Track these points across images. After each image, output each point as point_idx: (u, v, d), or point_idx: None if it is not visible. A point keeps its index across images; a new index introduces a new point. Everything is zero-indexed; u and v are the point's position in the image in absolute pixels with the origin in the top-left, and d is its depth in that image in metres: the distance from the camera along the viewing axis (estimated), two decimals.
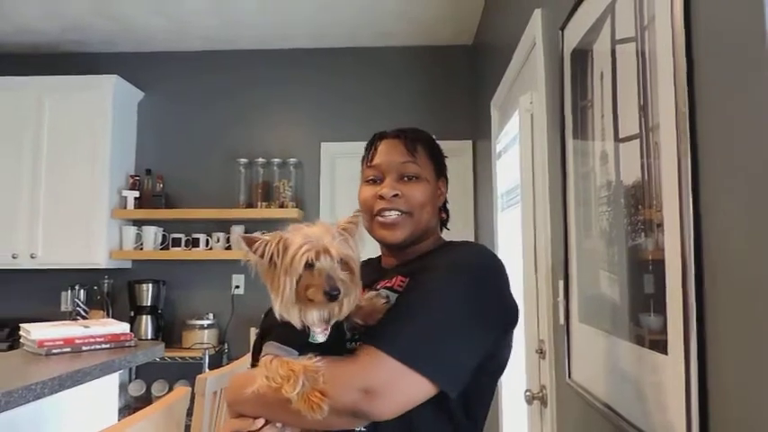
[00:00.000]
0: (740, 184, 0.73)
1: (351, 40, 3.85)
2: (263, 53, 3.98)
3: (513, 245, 2.31)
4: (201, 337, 3.57)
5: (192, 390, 1.54)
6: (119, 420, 1.79)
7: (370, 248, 1.08)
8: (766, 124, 0.67)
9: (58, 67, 3.86)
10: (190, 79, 3.99)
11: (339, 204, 3.87)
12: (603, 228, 1.22)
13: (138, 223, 3.78)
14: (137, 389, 3.64)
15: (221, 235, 3.72)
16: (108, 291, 3.77)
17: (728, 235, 0.75)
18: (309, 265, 0.85)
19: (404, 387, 0.88)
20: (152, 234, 3.72)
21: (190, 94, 3.98)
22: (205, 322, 3.62)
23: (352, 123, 3.84)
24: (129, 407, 3.52)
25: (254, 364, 0.98)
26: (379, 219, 1.09)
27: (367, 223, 1.09)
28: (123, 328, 2.13)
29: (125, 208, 3.71)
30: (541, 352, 1.81)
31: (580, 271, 1.40)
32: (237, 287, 3.79)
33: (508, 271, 1.07)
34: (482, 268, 1.02)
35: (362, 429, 0.94)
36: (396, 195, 1.08)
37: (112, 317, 3.61)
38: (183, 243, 3.72)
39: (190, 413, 1.51)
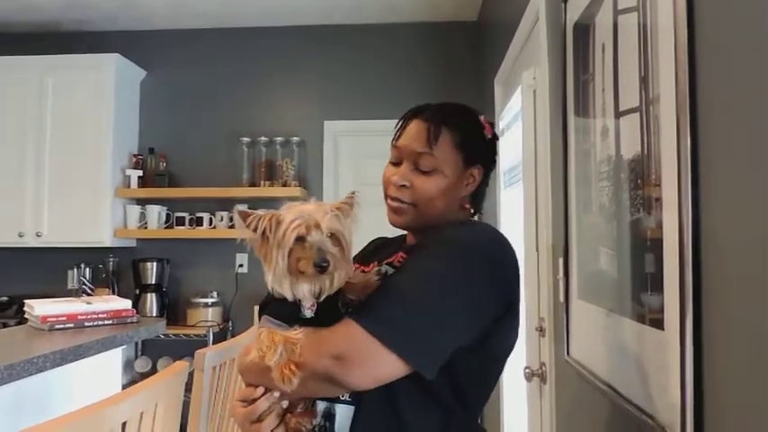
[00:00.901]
0: (740, 157, 0.71)
1: (354, 16, 3.80)
2: (266, 30, 3.94)
3: (514, 223, 2.30)
4: (206, 315, 3.60)
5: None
6: None
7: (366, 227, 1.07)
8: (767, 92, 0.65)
9: (60, 46, 3.84)
10: (192, 57, 3.96)
11: (342, 183, 3.86)
12: (603, 204, 1.20)
13: (142, 202, 3.79)
14: (142, 365, 3.69)
15: (224, 214, 3.73)
16: (113, 269, 3.80)
17: (727, 210, 0.74)
18: (300, 239, 0.88)
19: (374, 360, 0.88)
20: (156, 213, 3.73)
21: (192, 73, 3.95)
22: (209, 300, 3.65)
23: (355, 102, 3.81)
24: (135, 383, 3.57)
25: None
26: (387, 202, 1.10)
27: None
28: (125, 304, 2.15)
29: (128, 187, 3.72)
30: (541, 329, 1.81)
31: (580, 248, 1.39)
32: (241, 266, 3.80)
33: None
34: (479, 248, 0.99)
35: (348, 399, 0.95)
36: (403, 186, 1.06)
37: (118, 295, 3.63)
38: (186, 222, 3.74)
39: (189, 388, 1.53)
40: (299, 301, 0.91)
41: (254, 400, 0.95)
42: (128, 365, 3.68)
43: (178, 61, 3.97)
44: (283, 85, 3.92)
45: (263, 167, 3.74)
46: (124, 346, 2.09)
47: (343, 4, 3.65)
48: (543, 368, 1.79)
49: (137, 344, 3.79)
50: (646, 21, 0.98)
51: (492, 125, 1.15)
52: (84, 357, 1.74)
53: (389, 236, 1.25)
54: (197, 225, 3.73)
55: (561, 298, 1.52)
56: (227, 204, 3.76)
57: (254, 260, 3.86)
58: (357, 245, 1.07)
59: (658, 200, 0.92)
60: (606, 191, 1.18)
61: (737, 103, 0.72)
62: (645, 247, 0.98)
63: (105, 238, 3.60)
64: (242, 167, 3.76)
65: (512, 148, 2.45)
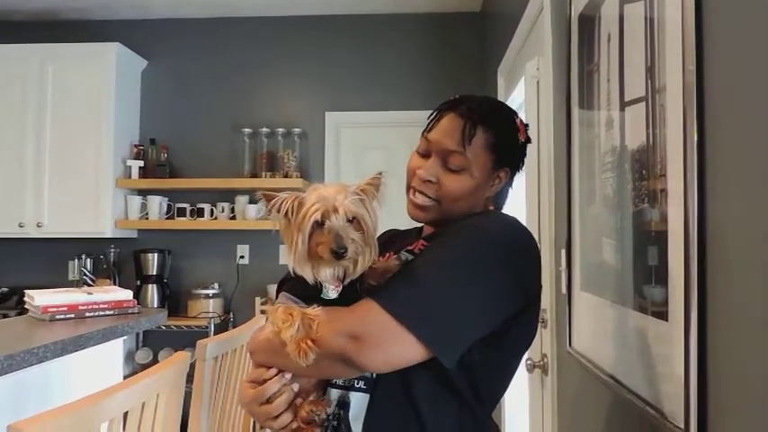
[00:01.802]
0: (748, 148, 0.70)
1: (356, 7, 3.78)
2: (267, 20, 3.91)
3: (517, 214, 2.28)
4: (207, 307, 3.61)
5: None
6: None
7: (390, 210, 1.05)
8: None
9: (60, 35, 3.82)
10: (193, 47, 3.94)
11: (344, 174, 3.85)
12: (607, 194, 1.19)
13: (143, 193, 3.78)
14: (144, 356, 3.70)
15: (226, 205, 3.72)
16: (114, 260, 3.80)
17: (734, 202, 0.73)
18: (320, 224, 0.86)
19: (392, 342, 0.86)
20: (157, 204, 3.72)
21: (193, 63, 3.93)
22: (210, 291, 3.65)
23: (357, 93, 3.79)
24: (136, 374, 3.57)
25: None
26: (410, 195, 1.07)
27: (406, 188, 1.08)
28: (126, 294, 2.15)
29: (129, 177, 3.71)
30: (543, 321, 1.80)
31: (583, 239, 1.38)
32: (242, 257, 3.80)
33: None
34: (502, 238, 0.96)
35: (362, 386, 0.94)
36: (429, 181, 1.03)
37: (119, 286, 3.64)
38: (187, 213, 3.73)
39: (191, 379, 1.53)
40: (323, 282, 0.90)
41: (264, 381, 0.94)
42: (129, 357, 3.69)
43: (179, 51, 3.95)
44: (285, 76, 3.90)
45: (264, 158, 3.73)
46: (125, 337, 2.09)
47: None
48: (545, 360, 1.79)
49: (138, 335, 3.80)
50: (653, 10, 0.97)
51: (527, 127, 1.11)
52: (84, 348, 1.74)
53: (400, 228, 1.24)
54: (198, 216, 3.73)
55: (564, 289, 1.52)
56: (228, 196, 3.75)
57: (256, 252, 3.89)
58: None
59: (663, 191, 0.91)
60: (610, 182, 1.17)
61: (746, 93, 0.71)
62: (649, 238, 0.97)
63: (106, 229, 3.60)
64: (243, 158, 3.75)
65: None
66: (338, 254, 0.85)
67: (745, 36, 0.71)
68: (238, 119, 3.83)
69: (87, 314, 2.02)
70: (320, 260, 0.87)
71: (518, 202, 2.26)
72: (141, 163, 3.74)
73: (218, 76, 3.91)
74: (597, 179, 1.26)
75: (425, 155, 1.05)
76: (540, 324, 1.82)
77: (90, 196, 3.58)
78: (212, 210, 3.73)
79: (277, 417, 0.93)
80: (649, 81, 0.97)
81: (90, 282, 3.70)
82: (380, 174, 0.94)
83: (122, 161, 3.72)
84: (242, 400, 0.99)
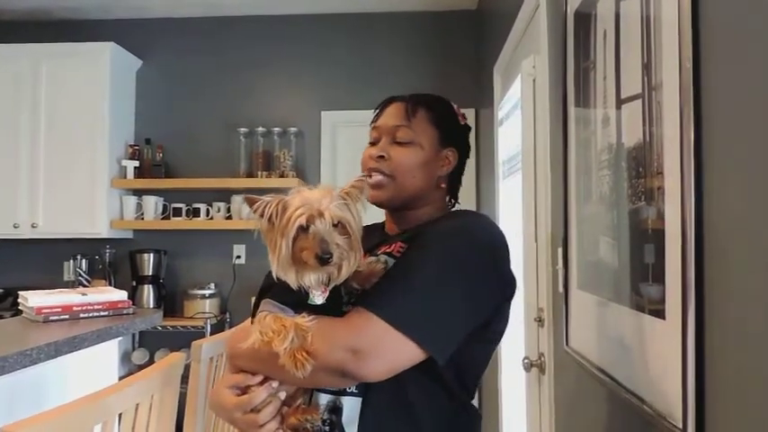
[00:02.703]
0: (745, 146, 0.69)
1: (352, 5, 3.77)
2: (263, 19, 3.90)
3: (513, 213, 2.29)
4: (203, 307, 3.60)
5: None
6: None
7: (374, 213, 1.09)
8: None
9: (54, 34, 3.80)
10: (188, 47, 3.92)
11: (340, 173, 3.84)
12: (604, 192, 1.19)
13: (139, 193, 3.77)
14: (140, 357, 3.68)
15: (222, 205, 3.71)
16: (110, 260, 3.78)
17: (731, 199, 0.72)
18: (304, 228, 0.85)
19: (391, 349, 0.87)
20: (152, 204, 3.71)
21: (189, 63, 3.92)
22: (207, 292, 3.64)
23: (353, 91, 3.78)
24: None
25: (253, 320, 0.98)
26: (367, 179, 1.08)
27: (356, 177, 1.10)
28: (121, 295, 2.13)
29: (125, 177, 3.69)
30: (540, 320, 1.80)
31: (579, 238, 1.38)
32: (239, 257, 3.79)
33: (509, 240, 1.06)
34: (480, 237, 1.01)
35: (354, 390, 0.94)
36: (381, 157, 1.09)
37: (114, 286, 3.62)
38: (183, 213, 3.72)
39: (186, 380, 1.52)
40: (307, 287, 0.88)
41: (247, 388, 0.93)
42: (125, 358, 3.67)
43: (174, 50, 3.93)
44: (281, 75, 3.88)
45: (260, 158, 3.72)
46: (120, 338, 2.08)
47: None
48: (542, 358, 1.78)
49: (134, 336, 3.79)
50: (649, 6, 0.96)
51: (464, 116, 1.19)
52: (79, 349, 1.73)
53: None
54: (194, 216, 3.71)
55: (560, 288, 1.51)
56: (224, 195, 3.73)
57: (252, 251, 3.88)
58: None
59: (660, 189, 0.90)
60: (606, 180, 1.17)
61: (742, 90, 0.70)
62: (646, 236, 0.96)
63: (102, 230, 3.58)
64: (239, 158, 3.74)
65: (511, 137, 2.43)
66: (323, 259, 0.84)
67: (741, 33, 0.71)
68: (234, 118, 3.82)
69: (81, 315, 2.00)
70: (304, 265, 0.86)
71: (514, 201, 2.26)
72: (137, 163, 3.73)
73: (213, 75, 3.89)
74: (594, 177, 1.25)
75: (374, 142, 1.12)
76: (536, 323, 1.83)
77: (85, 196, 3.57)
78: (208, 210, 3.72)
79: (263, 425, 0.91)
80: (646, 78, 0.97)
81: (85, 282, 3.68)
82: (363, 176, 0.97)
83: (117, 161, 3.71)
84: (218, 406, 0.96)
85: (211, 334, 3.35)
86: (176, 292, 3.79)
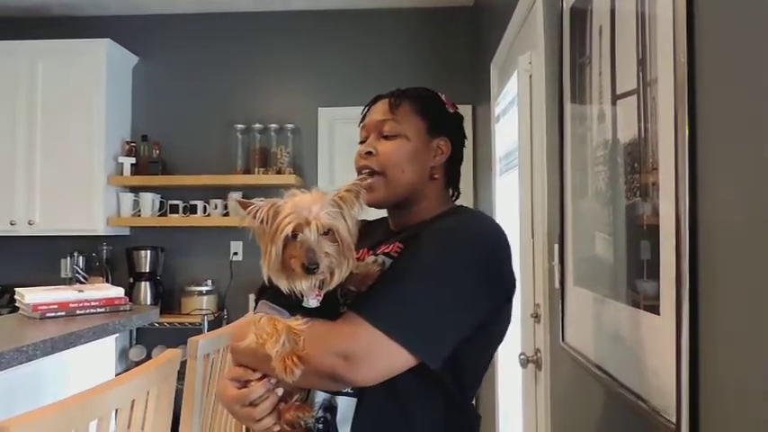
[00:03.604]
0: (739, 142, 0.69)
1: (349, 1, 3.76)
2: (260, 15, 3.89)
3: (510, 209, 2.29)
4: (200, 303, 3.59)
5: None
6: None
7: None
8: (766, 76, 0.63)
9: (50, 31, 3.78)
10: (185, 43, 3.91)
11: (338, 170, 3.84)
12: (599, 188, 1.19)
13: (135, 190, 3.76)
14: (137, 354, 3.68)
15: (219, 201, 3.70)
16: (107, 257, 3.77)
17: (725, 195, 0.73)
18: (293, 236, 0.85)
19: (382, 355, 0.87)
20: (149, 201, 3.70)
21: (185, 59, 3.91)
22: (204, 288, 3.64)
23: (350, 88, 3.78)
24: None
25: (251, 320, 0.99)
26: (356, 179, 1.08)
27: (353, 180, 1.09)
28: (118, 292, 2.13)
29: (121, 174, 3.68)
30: (536, 316, 1.80)
31: (575, 234, 1.38)
32: (236, 254, 3.79)
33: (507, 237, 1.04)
34: (478, 238, 0.99)
35: (350, 391, 0.94)
36: (369, 153, 1.08)
37: (112, 283, 3.62)
38: (180, 210, 3.71)
39: (182, 377, 1.52)
40: (299, 292, 0.88)
41: (247, 382, 0.94)
42: (122, 354, 3.67)
43: (171, 47, 3.92)
44: (277, 71, 3.87)
45: (257, 155, 3.71)
46: (117, 335, 2.08)
47: None
48: (538, 354, 1.79)
49: (131, 332, 3.78)
50: (644, 2, 0.96)
51: (454, 104, 1.17)
52: (75, 345, 1.72)
53: (369, 219, 1.24)
54: (191, 213, 3.71)
55: (556, 284, 1.52)
56: (221, 192, 3.73)
57: (249, 248, 3.88)
58: None
59: (655, 184, 0.90)
60: (602, 176, 1.17)
61: (737, 86, 0.70)
62: (641, 232, 0.96)
63: (98, 227, 3.57)
64: (236, 155, 3.73)
65: (508, 133, 2.43)
66: (309, 269, 0.84)
67: (736, 29, 0.71)
68: (231, 115, 3.81)
69: (78, 312, 2.00)
70: (293, 272, 0.86)
71: (511, 197, 2.26)
72: (133, 160, 3.72)
73: (209, 71, 3.88)
74: (589, 173, 1.26)
75: (363, 141, 1.12)
76: (532, 319, 1.83)
77: (82, 194, 3.56)
78: (205, 206, 3.71)
79: (259, 420, 0.93)
80: (641, 74, 0.97)
81: (82, 279, 3.68)
82: (359, 180, 0.96)
83: (114, 158, 3.70)
84: (222, 397, 0.99)
85: (209, 330, 3.34)
86: (173, 288, 3.78)
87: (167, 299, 3.74)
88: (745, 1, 0.69)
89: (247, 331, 0.90)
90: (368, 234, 1.14)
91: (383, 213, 1.20)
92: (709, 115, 0.76)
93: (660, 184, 0.88)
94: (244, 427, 1.96)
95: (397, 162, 1.06)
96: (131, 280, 3.61)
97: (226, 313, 3.74)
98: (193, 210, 3.71)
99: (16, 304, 2.05)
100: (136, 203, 3.72)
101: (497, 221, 1.08)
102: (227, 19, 3.90)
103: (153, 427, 1.23)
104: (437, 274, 0.93)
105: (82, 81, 3.58)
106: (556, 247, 1.52)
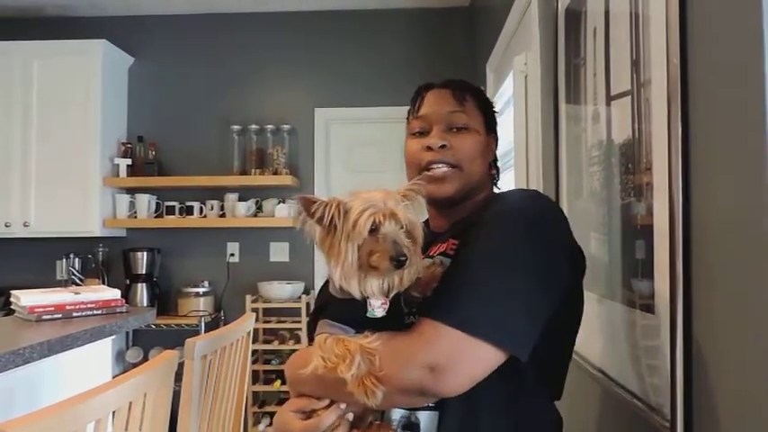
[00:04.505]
0: (731, 142, 0.70)
1: (345, 2, 3.76)
2: (255, 16, 3.88)
3: None
4: (197, 305, 3.59)
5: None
6: None
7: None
8: (759, 76, 0.64)
9: (46, 32, 3.77)
10: (181, 44, 3.90)
11: (334, 171, 3.84)
12: (594, 189, 1.20)
13: (131, 191, 3.75)
14: (134, 356, 3.67)
15: (215, 203, 3.69)
16: (103, 259, 3.76)
17: (718, 195, 0.73)
18: (373, 230, 0.79)
19: (469, 358, 0.80)
20: (145, 202, 3.69)
21: (181, 60, 3.90)
22: (200, 290, 3.63)
23: (346, 88, 3.78)
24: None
25: (311, 342, 0.92)
26: (427, 173, 1.00)
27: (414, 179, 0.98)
28: (114, 294, 2.13)
29: (117, 176, 3.67)
30: None
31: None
32: (232, 255, 3.79)
33: None
34: (534, 214, 0.90)
35: (431, 404, 0.88)
36: (443, 146, 0.99)
37: (108, 285, 3.60)
38: (177, 211, 3.70)
39: (179, 379, 1.52)
40: (367, 299, 0.82)
41: (313, 411, 0.88)
42: (119, 356, 3.66)
43: (167, 48, 3.91)
44: (274, 72, 3.87)
45: (253, 155, 3.71)
46: (114, 337, 2.07)
47: None
48: None
49: (128, 334, 3.77)
50: (638, 4, 0.97)
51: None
52: (72, 348, 1.72)
53: None
54: (187, 214, 3.70)
55: None
56: (217, 193, 3.72)
57: (246, 249, 3.87)
58: None
59: (649, 185, 0.91)
60: (597, 176, 1.18)
61: (729, 87, 0.71)
62: (636, 232, 0.97)
63: (94, 228, 3.56)
64: (232, 155, 3.72)
65: (503, 133, 2.44)
66: (399, 261, 0.78)
67: (728, 30, 0.71)
68: (227, 116, 3.81)
69: (75, 314, 1.99)
70: (372, 271, 0.80)
71: None
72: (129, 161, 3.71)
73: (206, 72, 3.88)
74: (584, 173, 1.26)
75: (422, 132, 1.03)
76: None
77: (77, 195, 3.55)
78: (202, 208, 3.71)
79: None
80: (635, 75, 0.98)
81: (78, 281, 3.67)
82: (420, 179, 0.90)
83: (110, 159, 3.69)
84: (288, 430, 0.90)
85: (205, 332, 3.34)
86: (170, 290, 3.78)
87: (164, 300, 3.73)
88: (737, 3, 0.69)
89: (308, 358, 0.84)
90: None
91: None
92: (702, 116, 0.77)
93: (654, 183, 0.89)
94: (242, 428, 1.96)
95: (473, 156, 1.01)
96: (127, 281, 3.60)
97: (222, 314, 3.73)
98: (190, 211, 3.70)
99: (12, 307, 2.04)
100: (132, 205, 3.71)
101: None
102: (222, 19, 3.89)
103: (150, 428, 1.23)
104: (504, 259, 0.85)
105: (77, 82, 3.57)
106: None
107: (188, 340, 1.59)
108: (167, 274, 3.80)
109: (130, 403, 1.16)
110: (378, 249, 0.79)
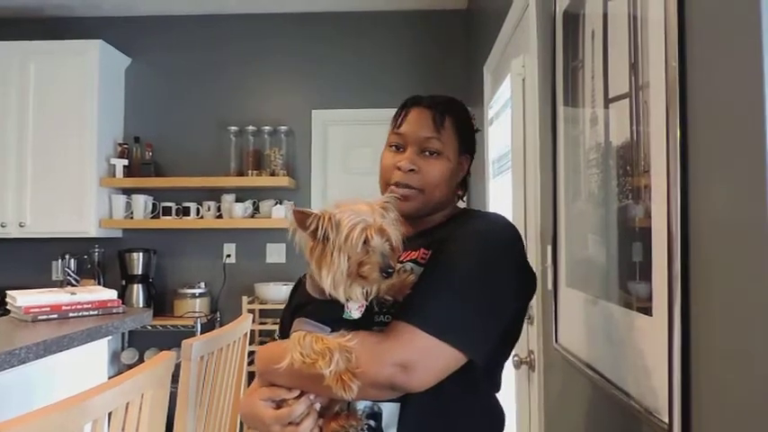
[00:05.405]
0: (730, 145, 0.70)
1: (342, 3, 3.77)
2: (253, 17, 3.89)
3: (503, 211, 2.29)
4: (193, 306, 3.58)
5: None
6: None
7: None
8: (757, 79, 0.64)
9: (42, 32, 3.77)
10: (178, 44, 3.90)
11: (331, 172, 3.84)
12: (592, 191, 1.20)
13: (128, 192, 3.75)
14: (130, 357, 3.66)
15: (212, 204, 3.69)
16: (99, 260, 3.76)
17: (716, 198, 0.73)
18: (364, 243, 0.87)
19: (437, 359, 0.91)
20: (142, 203, 3.69)
21: (178, 60, 3.90)
22: (197, 291, 3.63)
23: (343, 90, 3.78)
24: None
25: (283, 336, 1.01)
26: (391, 188, 1.09)
27: (382, 188, 1.11)
28: (111, 294, 2.12)
29: (114, 176, 3.67)
30: (529, 317, 1.81)
31: (568, 236, 1.39)
32: (229, 256, 3.78)
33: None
34: (502, 239, 1.04)
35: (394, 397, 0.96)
36: (412, 170, 1.07)
37: (104, 286, 3.59)
38: (173, 212, 3.70)
39: (176, 380, 1.51)
40: (352, 301, 0.90)
41: (283, 401, 0.95)
42: (115, 357, 3.65)
43: (163, 48, 3.91)
44: (271, 74, 3.87)
45: (250, 157, 3.71)
46: (110, 338, 2.07)
47: None
48: (532, 356, 1.79)
49: (124, 335, 3.76)
50: (636, 6, 0.97)
51: (474, 118, 1.21)
52: (68, 348, 1.71)
53: None
54: (184, 215, 3.70)
55: (549, 286, 1.52)
56: (214, 194, 3.72)
57: (242, 250, 3.87)
58: None
59: (647, 187, 0.91)
60: (595, 178, 1.18)
61: (728, 90, 0.71)
62: (633, 234, 0.97)
63: (90, 229, 3.56)
64: (229, 157, 3.72)
65: (501, 136, 2.45)
66: (388, 273, 0.87)
67: (726, 33, 0.72)
68: (224, 117, 3.81)
69: (71, 314, 1.99)
70: (359, 279, 0.88)
71: (504, 199, 2.27)
72: (126, 161, 3.71)
73: (203, 73, 3.88)
74: (582, 176, 1.26)
75: (399, 148, 1.11)
76: (526, 320, 1.84)
77: (73, 195, 3.54)
78: (198, 209, 3.70)
79: None
80: (633, 78, 0.98)
81: (74, 282, 3.65)
82: (391, 196, 0.98)
83: (106, 160, 3.68)
84: (258, 418, 0.97)
85: (201, 333, 3.34)
86: (166, 291, 3.77)
87: (160, 301, 3.73)
88: (736, 6, 0.70)
89: (282, 351, 0.91)
90: None
91: None
92: (700, 118, 0.77)
93: (652, 186, 0.89)
94: (239, 429, 1.96)
95: (438, 182, 1.09)
96: (123, 282, 3.60)
97: (218, 316, 3.73)
98: (186, 212, 3.70)
99: (7, 307, 2.03)
100: (128, 205, 3.70)
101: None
102: (220, 21, 3.89)
103: (147, 429, 1.22)
104: (474, 275, 0.97)
105: (74, 82, 3.57)
106: (549, 248, 1.53)
107: (185, 341, 1.59)
108: (163, 275, 3.79)
109: (127, 404, 1.15)
110: (368, 261, 0.87)
